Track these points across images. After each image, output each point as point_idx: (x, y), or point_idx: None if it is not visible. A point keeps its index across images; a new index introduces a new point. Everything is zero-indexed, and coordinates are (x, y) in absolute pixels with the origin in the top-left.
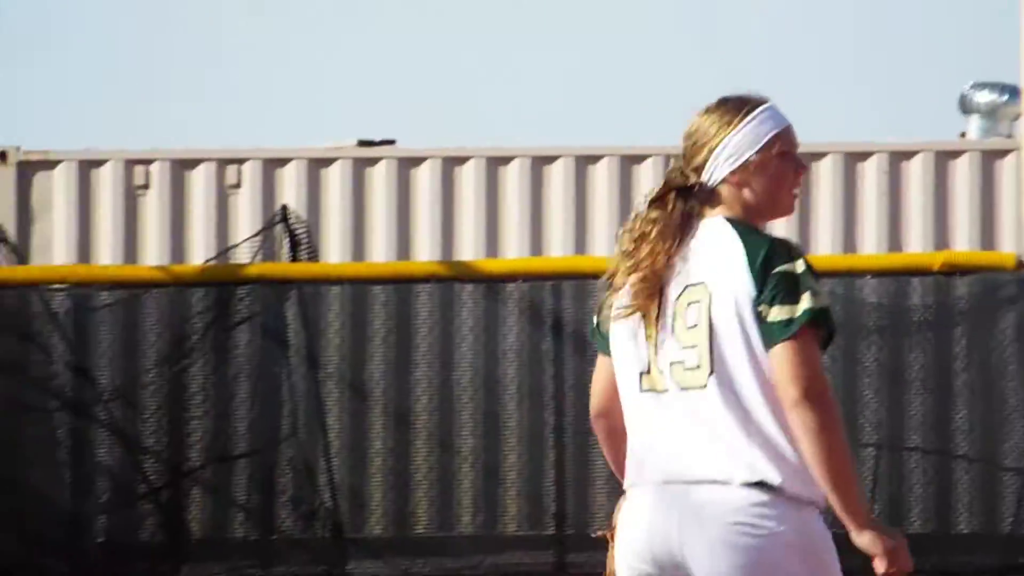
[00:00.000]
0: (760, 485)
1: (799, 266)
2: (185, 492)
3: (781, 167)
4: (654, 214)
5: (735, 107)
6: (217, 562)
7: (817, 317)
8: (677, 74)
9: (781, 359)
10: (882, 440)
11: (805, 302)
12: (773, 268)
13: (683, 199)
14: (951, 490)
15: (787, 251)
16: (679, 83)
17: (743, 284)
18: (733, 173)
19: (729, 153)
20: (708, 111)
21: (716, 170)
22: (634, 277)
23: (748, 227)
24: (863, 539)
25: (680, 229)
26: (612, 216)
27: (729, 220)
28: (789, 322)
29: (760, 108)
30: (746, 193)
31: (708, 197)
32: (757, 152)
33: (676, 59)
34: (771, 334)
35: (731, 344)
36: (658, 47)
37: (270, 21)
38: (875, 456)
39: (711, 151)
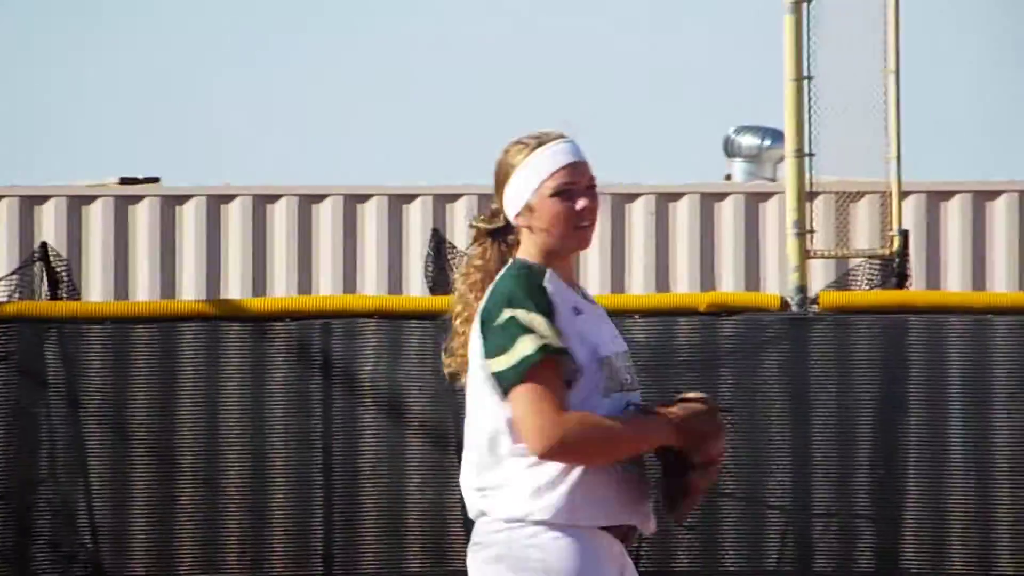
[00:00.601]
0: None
1: (508, 314)
2: None
3: (556, 207)
4: (476, 260)
5: (522, 147)
6: None
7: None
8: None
9: (513, 411)
10: (649, 477)
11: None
12: (484, 319)
13: (496, 242)
14: (718, 527)
15: (504, 298)
16: (439, 119)
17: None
18: (518, 216)
19: (512, 196)
20: (505, 151)
21: (509, 213)
22: (464, 324)
23: (508, 272)
24: (676, 438)
25: (495, 273)
26: (382, 254)
27: (513, 264)
28: (509, 370)
29: (539, 149)
30: (534, 235)
31: (515, 238)
32: (533, 194)
33: (438, 92)
34: (498, 384)
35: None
36: (422, 79)
37: (33, 53)
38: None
39: (504, 194)
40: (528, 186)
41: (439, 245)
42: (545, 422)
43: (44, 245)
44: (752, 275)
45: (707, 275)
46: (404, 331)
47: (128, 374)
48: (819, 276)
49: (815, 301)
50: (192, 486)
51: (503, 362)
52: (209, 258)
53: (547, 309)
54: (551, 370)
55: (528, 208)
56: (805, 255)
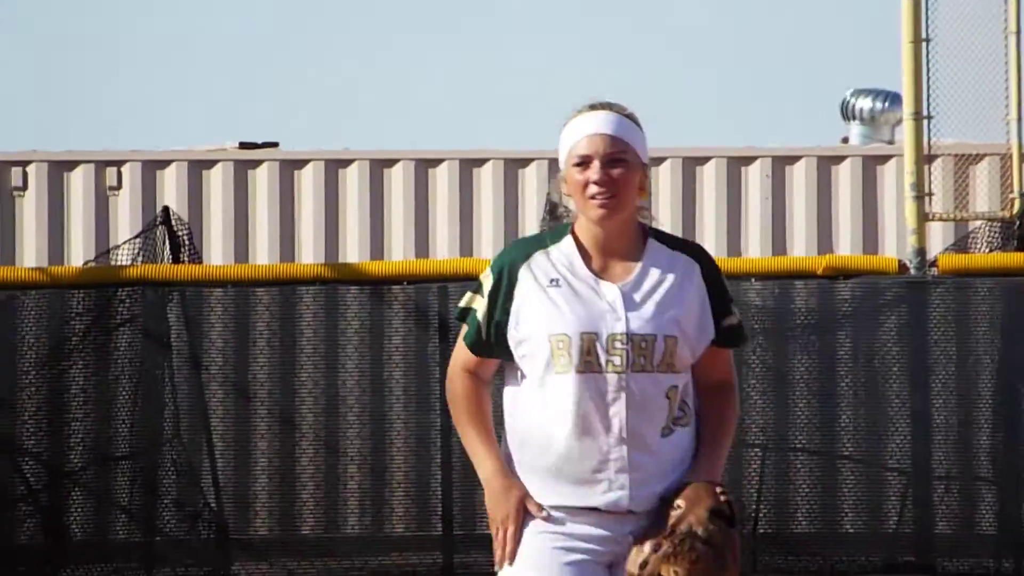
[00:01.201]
0: None
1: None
2: (65, 494)
3: (575, 177)
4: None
5: (566, 118)
6: (98, 565)
7: (459, 317)
8: (565, 78)
9: None
10: (768, 441)
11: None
12: None
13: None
14: (836, 490)
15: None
16: (567, 87)
17: None
18: (564, 182)
19: (560, 161)
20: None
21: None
22: None
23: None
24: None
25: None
26: (497, 218)
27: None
28: None
29: (572, 120)
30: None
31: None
32: (563, 163)
33: (565, 61)
34: None
35: None
36: (544, 50)
37: (152, 21)
38: (761, 457)
39: None
40: (561, 156)
41: (554, 208)
42: (451, 365)
43: (166, 209)
44: (870, 238)
45: (824, 238)
46: None
47: (249, 337)
48: (937, 239)
49: (934, 264)
50: (313, 447)
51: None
52: (327, 222)
53: (496, 290)
54: (462, 349)
55: (564, 180)
56: (923, 218)
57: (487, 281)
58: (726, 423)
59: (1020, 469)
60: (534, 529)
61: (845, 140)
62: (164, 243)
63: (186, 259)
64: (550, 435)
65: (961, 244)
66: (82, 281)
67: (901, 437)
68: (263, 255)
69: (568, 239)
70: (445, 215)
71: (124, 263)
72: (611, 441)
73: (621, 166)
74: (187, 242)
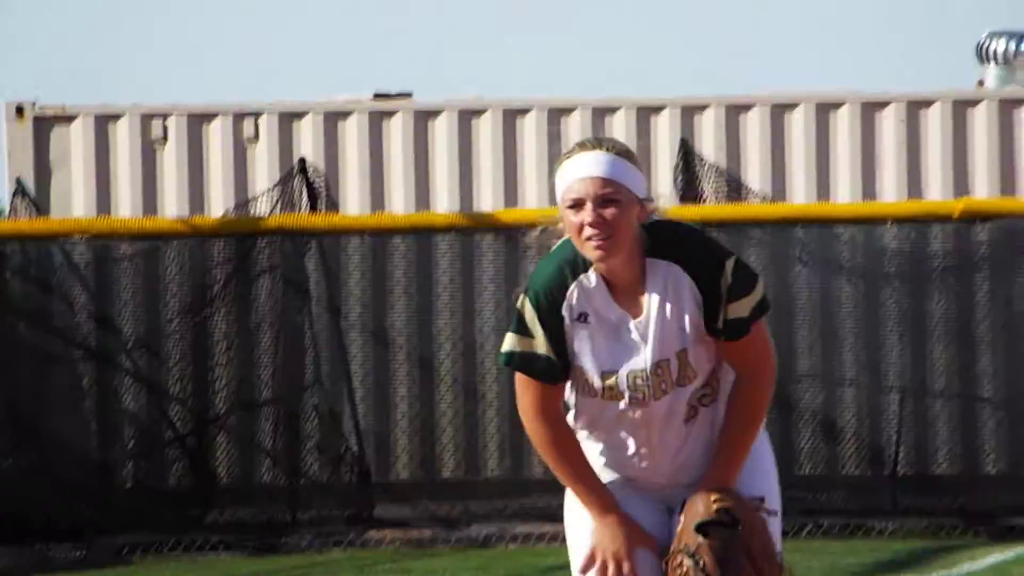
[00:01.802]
0: None
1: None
2: (211, 439)
3: (569, 218)
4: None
5: (559, 160)
6: (244, 507)
7: (508, 362)
8: (688, 25)
9: None
10: (906, 385)
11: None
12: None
13: None
14: (976, 433)
15: (533, 274)
16: (690, 33)
17: None
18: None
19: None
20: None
21: None
22: None
23: (565, 243)
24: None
25: None
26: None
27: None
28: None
29: (564, 161)
30: None
31: None
32: (561, 205)
33: (687, 10)
34: None
35: None
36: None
37: None
38: (899, 401)
39: None
40: (557, 197)
41: (687, 155)
42: (522, 411)
43: (303, 160)
44: (1007, 181)
45: (960, 182)
46: None
47: (386, 284)
48: None
49: None
50: (451, 392)
51: (505, 343)
52: (461, 170)
53: (546, 324)
54: (531, 385)
55: (560, 217)
56: None
57: (535, 324)
58: (750, 413)
59: None
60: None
61: (981, 83)
62: (301, 193)
63: (323, 209)
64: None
65: None
66: (222, 231)
67: None
68: (399, 204)
69: (593, 275)
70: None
71: (263, 213)
72: (640, 453)
73: (614, 206)
74: (324, 192)
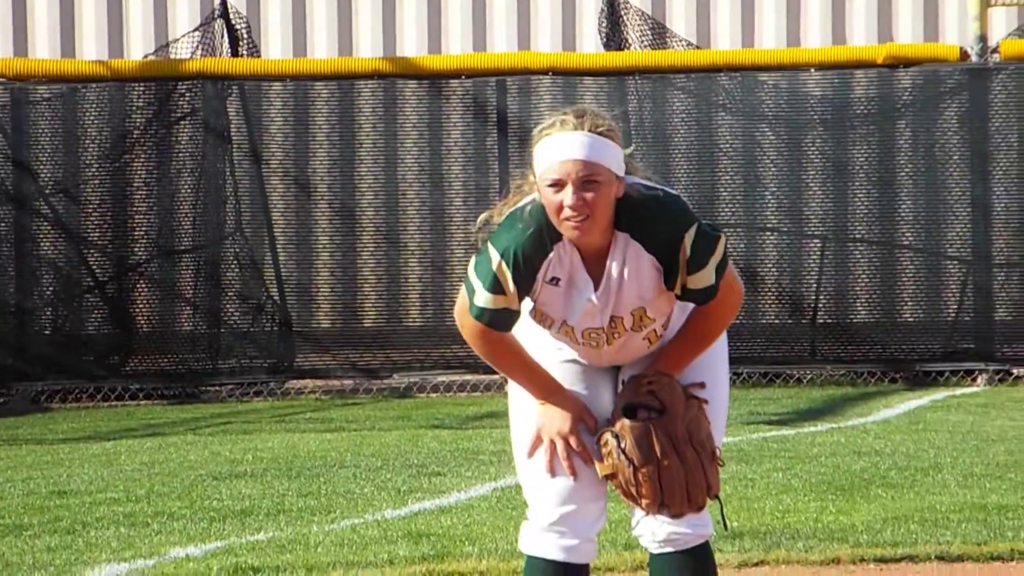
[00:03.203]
0: None
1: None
2: (131, 286)
3: (549, 197)
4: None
5: (541, 130)
6: (164, 355)
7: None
8: None
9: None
10: (827, 232)
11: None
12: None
13: None
14: (896, 280)
15: (502, 226)
16: None
17: None
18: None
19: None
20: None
21: None
22: None
23: (537, 205)
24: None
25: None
26: (556, 11)
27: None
28: None
29: (545, 138)
30: None
31: None
32: (538, 178)
33: None
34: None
35: None
36: None
37: None
38: (820, 248)
39: None
40: (535, 171)
41: (613, 1)
42: (464, 331)
43: (224, 3)
44: (931, 25)
45: (884, 27)
46: (578, 88)
47: (308, 131)
48: (1000, 26)
49: (996, 50)
50: (373, 241)
51: (467, 290)
52: (385, 15)
53: (519, 277)
54: (483, 329)
55: (539, 188)
56: (985, 4)
57: (507, 281)
58: (710, 327)
59: None
60: (545, 344)
61: None
62: (222, 37)
63: (244, 53)
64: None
65: None
66: (142, 75)
67: (961, 225)
68: (321, 49)
69: (567, 243)
70: (503, 7)
71: (183, 57)
72: (592, 361)
73: (593, 188)
74: (245, 36)
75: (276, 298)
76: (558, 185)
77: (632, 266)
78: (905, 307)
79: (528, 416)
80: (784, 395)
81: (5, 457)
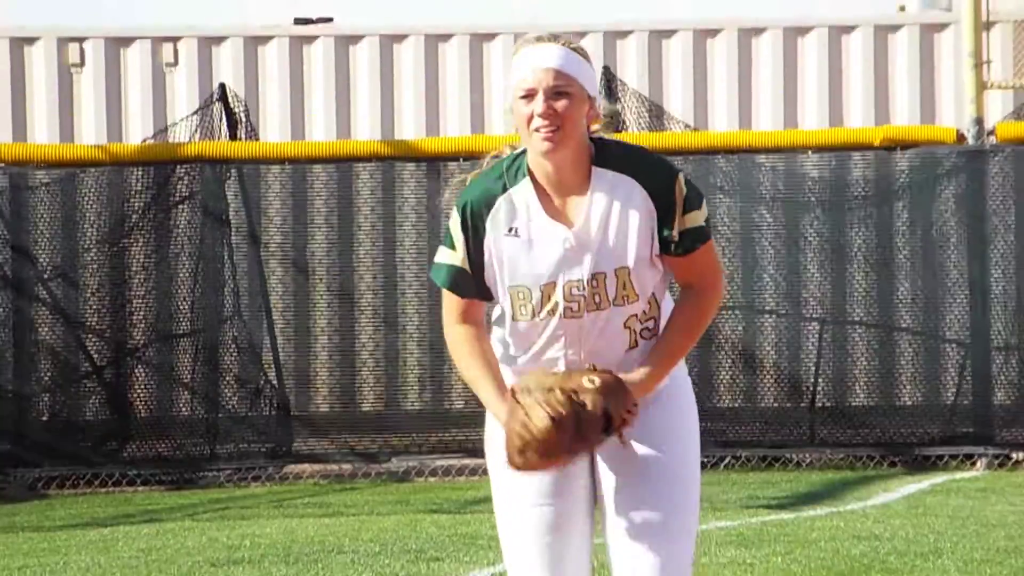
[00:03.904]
0: None
1: (452, 215)
2: (129, 371)
3: (520, 109)
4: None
5: (513, 51)
6: (162, 440)
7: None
8: None
9: None
10: (825, 314)
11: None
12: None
13: None
14: (894, 363)
15: (463, 192)
16: None
17: None
18: (512, 111)
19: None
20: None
21: None
22: None
23: (495, 163)
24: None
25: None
26: None
27: (504, 158)
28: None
29: (519, 52)
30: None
31: None
32: (511, 96)
33: None
34: None
35: None
36: None
37: None
38: (819, 330)
39: None
40: (509, 87)
41: (610, 83)
42: (446, 329)
43: (223, 86)
44: (927, 108)
45: (881, 109)
46: None
47: (307, 213)
48: (996, 108)
49: (992, 133)
50: (372, 324)
51: (435, 259)
52: (383, 98)
53: (466, 231)
54: (447, 296)
55: (510, 108)
56: (982, 86)
57: (458, 238)
58: (690, 323)
59: None
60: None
61: (902, 8)
62: (221, 120)
63: (243, 136)
64: (513, 359)
65: (1020, 112)
66: (141, 158)
67: (959, 308)
68: (319, 132)
69: (526, 182)
70: (501, 91)
71: (182, 140)
72: (571, 368)
73: (565, 99)
74: (244, 119)
75: (274, 382)
76: (530, 96)
77: (621, 206)
78: (904, 390)
79: (512, 508)
80: (783, 479)
81: (1, 545)
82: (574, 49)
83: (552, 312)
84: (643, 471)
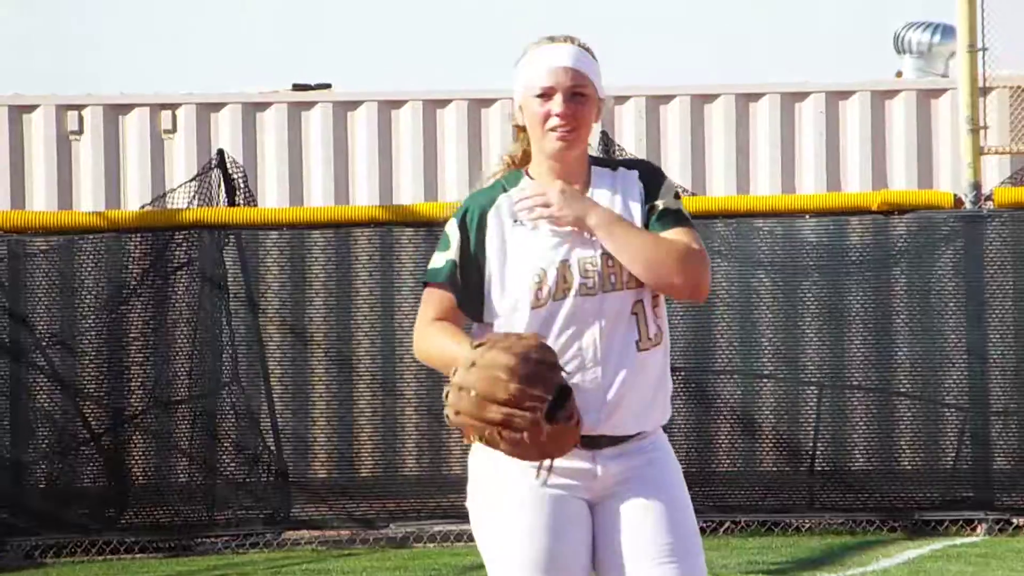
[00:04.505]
0: None
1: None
2: (126, 438)
3: (535, 108)
4: (506, 156)
5: (525, 49)
6: (160, 507)
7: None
8: (609, 16)
9: None
10: (824, 378)
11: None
12: None
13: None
14: (893, 427)
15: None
16: (611, 25)
17: None
18: (521, 110)
19: (515, 92)
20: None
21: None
22: None
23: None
24: None
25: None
26: None
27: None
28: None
29: (534, 51)
30: (529, 134)
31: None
32: (522, 95)
33: (608, 4)
34: None
35: None
36: None
37: None
38: (817, 395)
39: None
40: (521, 86)
41: (607, 147)
42: (416, 327)
43: (221, 152)
44: (925, 173)
45: (879, 174)
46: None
47: (305, 279)
48: (993, 173)
49: (989, 198)
50: (371, 390)
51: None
52: (381, 164)
53: (464, 229)
54: (429, 293)
55: (520, 108)
56: (979, 151)
57: (454, 235)
58: (660, 240)
59: None
60: (512, 471)
61: (899, 74)
62: (219, 186)
63: (241, 202)
64: None
65: (1017, 177)
66: (139, 225)
67: (958, 373)
68: (318, 197)
69: (525, 180)
70: (497, 154)
71: (180, 207)
72: (586, 363)
73: (581, 100)
74: (242, 185)
75: (272, 448)
76: (547, 95)
77: (622, 199)
78: (903, 455)
79: (504, 553)
80: (783, 544)
81: None
82: (586, 49)
83: (567, 291)
84: (645, 514)
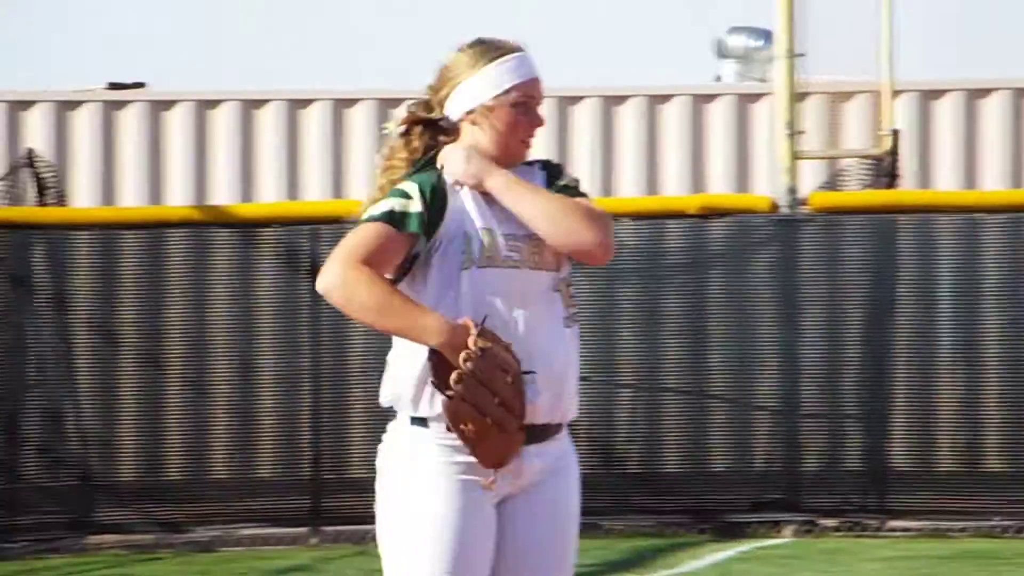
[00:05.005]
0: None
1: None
2: None
3: (514, 115)
4: (400, 151)
5: (488, 50)
6: None
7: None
8: (446, 19)
9: None
10: (639, 380)
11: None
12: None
13: (428, 132)
14: (706, 430)
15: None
16: (448, 25)
17: None
18: (469, 112)
19: (469, 93)
20: (463, 49)
21: (455, 106)
22: None
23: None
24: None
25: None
26: (370, 159)
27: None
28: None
29: (508, 56)
30: (478, 133)
31: (451, 131)
32: (494, 97)
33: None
34: None
35: None
36: None
37: None
38: (632, 396)
39: (454, 87)
40: (493, 87)
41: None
42: (339, 258)
43: (30, 151)
44: (742, 177)
45: (697, 177)
46: None
47: (116, 280)
48: (809, 177)
49: (805, 202)
50: (180, 391)
51: (378, 207)
52: (196, 164)
53: (423, 193)
54: (383, 231)
55: (487, 109)
56: (795, 156)
57: (414, 191)
58: (555, 198)
59: (887, 406)
60: (430, 454)
61: (718, 78)
62: (29, 185)
63: (51, 201)
64: None
65: (832, 182)
66: None
67: (770, 376)
68: (131, 198)
69: (444, 150)
70: (316, 156)
71: None
72: (518, 335)
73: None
74: (52, 184)
75: (77, 451)
76: (524, 105)
77: (529, 180)
78: (715, 457)
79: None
80: (593, 546)
81: None
82: None
83: (492, 260)
84: (548, 541)
